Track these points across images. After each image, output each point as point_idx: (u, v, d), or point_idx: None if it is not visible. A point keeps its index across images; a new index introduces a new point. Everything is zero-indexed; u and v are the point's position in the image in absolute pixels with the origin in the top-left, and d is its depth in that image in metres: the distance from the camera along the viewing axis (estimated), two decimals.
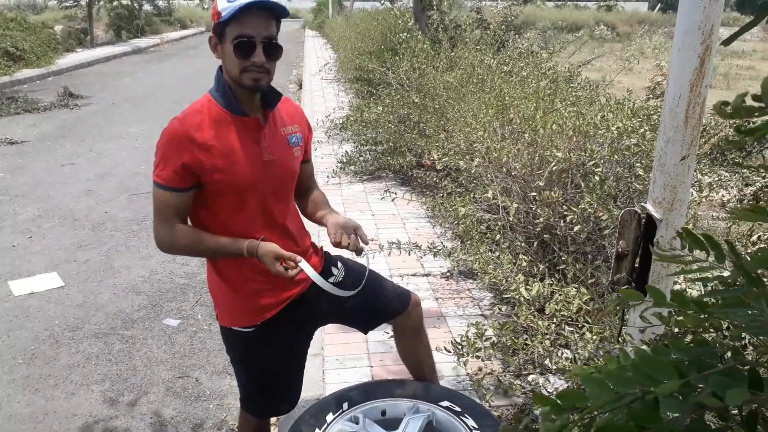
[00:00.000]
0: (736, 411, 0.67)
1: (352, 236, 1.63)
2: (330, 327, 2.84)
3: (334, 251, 1.91)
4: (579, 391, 0.62)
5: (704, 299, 0.73)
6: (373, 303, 1.89)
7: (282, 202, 1.68)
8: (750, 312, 0.68)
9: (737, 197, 4.25)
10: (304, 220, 1.84)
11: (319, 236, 3.92)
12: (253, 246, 1.54)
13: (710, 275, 0.76)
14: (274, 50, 1.50)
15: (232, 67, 1.50)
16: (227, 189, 1.54)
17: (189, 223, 1.60)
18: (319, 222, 1.79)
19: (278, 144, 1.63)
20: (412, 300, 1.96)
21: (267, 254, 1.52)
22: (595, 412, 0.61)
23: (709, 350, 0.70)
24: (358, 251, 1.62)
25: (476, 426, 1.84)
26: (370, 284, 1.88)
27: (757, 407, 0.67)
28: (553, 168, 3.06)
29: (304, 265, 1.55)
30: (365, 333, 1.98)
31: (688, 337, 0.83)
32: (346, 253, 1.73)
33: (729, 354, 0.71)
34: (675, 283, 2.22)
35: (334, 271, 1.83)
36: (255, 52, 1.47)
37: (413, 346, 2.07)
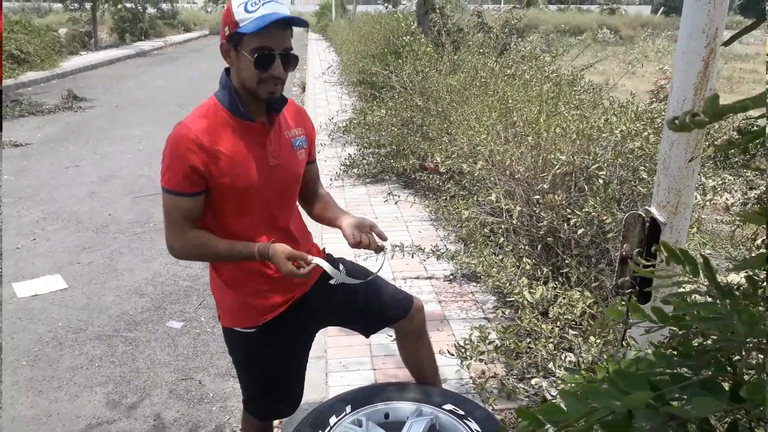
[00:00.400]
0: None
1: (371, 235, 1.63)
2: (333, 330, 2.84)
3: (337, 254, 1.92)
4: (558, 405, 0.65)
5: (681, 313, 0.77)
6: (373, 307, 1.89)
7: (286, 205, 1.68)
8: (723, 323, 0.73)
9: (741, 200, 4.24)
10: (308, 222, 1.85)
11: (322, 239, 3.92)
12: (264, 248, 1.54)
13: (686, 288, 0.81)
14: (291, 61, 1.51)
15: (248, 78, 1.50)
16: (232, 193, 1.55)
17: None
18: (331, 224, 1.78)
19: (283, 148, 1.63)
20: (414, 305, 1.95)
21: (278, 254, 1.52)
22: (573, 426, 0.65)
23: (689, 361, 0.74)
24: (378, 249, 1.63)
25: (479, 429, 1.83)
26: (372, 288, 1.88)
27: (735, 418, 0.70)
28: (557, 171, 3.06)
29: (317, 260, 1.55)
30: (366, 336, 1.98)
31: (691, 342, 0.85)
32: (364, 255, 1.73)
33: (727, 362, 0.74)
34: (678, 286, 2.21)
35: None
36: (274, 64, 1.47)
37: (415, 351, 2.07)
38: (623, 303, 2.08)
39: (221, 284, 1.69)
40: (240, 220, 1.59)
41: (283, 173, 1.63)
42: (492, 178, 3.53)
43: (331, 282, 1.80)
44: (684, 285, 0.81)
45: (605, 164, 2.97)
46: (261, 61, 1.46)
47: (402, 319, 1.93)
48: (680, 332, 0.80)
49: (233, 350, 1.80)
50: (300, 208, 1.85)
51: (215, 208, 1.58)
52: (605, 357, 2.36)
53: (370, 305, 1.88)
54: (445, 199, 4.17)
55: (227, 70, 1.57)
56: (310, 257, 1.55)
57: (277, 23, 1.45)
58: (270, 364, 1.77)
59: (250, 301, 1.68)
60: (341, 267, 1.85)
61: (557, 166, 3.04)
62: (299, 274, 1.52)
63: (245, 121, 1.54)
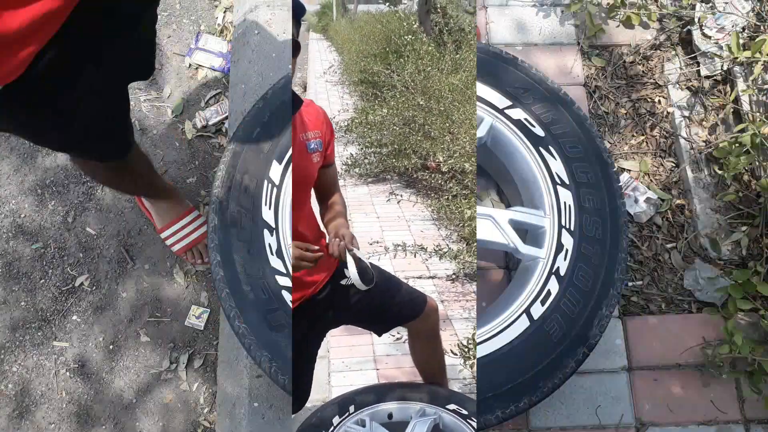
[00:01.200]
0: None
1: (334, 241, 1.56)
2: (336, 330, 2.81)
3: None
4: None
5: None
6: (386, 306, 1.87)
7: (296, 207, 1.67)
8: None
9: None
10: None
11: None
12: None
13: None
14: (291, 46, 1.48)
15: None
16: None
17: None
18: (324, 226, 1.76)
19: (296, 150, 1.61)
20: (427, 305, 1.93)
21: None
22: None
23: None
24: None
25: None
26: (385, 287, 1.87)
27: None
28: None
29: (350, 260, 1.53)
30: (379, 335, 1.98)
31: None
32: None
33: None
34: None
35: (347, 273, 1.82)
36: None
37: (426, 351, 2.06)
38: None
39: None
40: None
41: (293, 176, 1.61)
42: None
43: (342, 282, 1.79)
44: None
45: None
46: None
47: (415, 319, 1.92)
48: None
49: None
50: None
51: None
52: None
53: (382, 304, 1.86)
54: (447, 198, 4.16)
55: None
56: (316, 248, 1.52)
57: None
58: None
59: None
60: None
61: None
62: (307, 258, 1.49)
63: None
